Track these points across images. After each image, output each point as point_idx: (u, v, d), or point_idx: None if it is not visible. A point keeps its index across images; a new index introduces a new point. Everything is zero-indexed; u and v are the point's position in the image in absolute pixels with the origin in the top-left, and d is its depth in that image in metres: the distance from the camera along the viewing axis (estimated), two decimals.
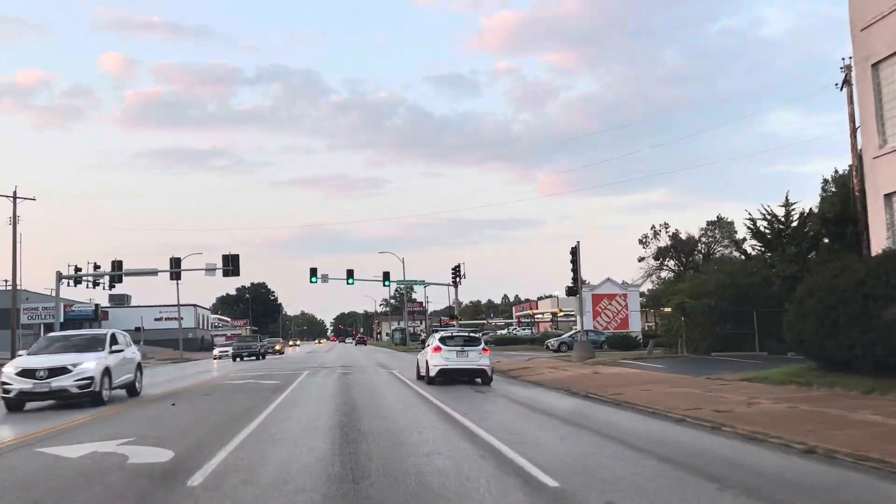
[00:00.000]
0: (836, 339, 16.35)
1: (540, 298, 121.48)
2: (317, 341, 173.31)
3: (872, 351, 15.32)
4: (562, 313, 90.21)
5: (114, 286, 52.99)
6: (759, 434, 10.50)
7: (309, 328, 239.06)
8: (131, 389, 19.63)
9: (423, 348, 24.81)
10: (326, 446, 9.93)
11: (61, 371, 16.20)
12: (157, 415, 14.86)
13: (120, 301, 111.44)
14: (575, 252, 32.73)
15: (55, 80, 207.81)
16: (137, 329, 77.63)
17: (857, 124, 23.37)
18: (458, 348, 21.14)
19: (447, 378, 20.93)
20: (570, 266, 32.81)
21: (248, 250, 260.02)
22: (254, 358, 51.12)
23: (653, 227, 67.59)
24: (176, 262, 47.45)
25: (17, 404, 16.21)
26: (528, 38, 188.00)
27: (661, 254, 66.44)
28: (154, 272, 48.41)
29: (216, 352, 62.45)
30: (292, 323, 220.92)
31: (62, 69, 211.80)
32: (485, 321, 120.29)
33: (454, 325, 79.33)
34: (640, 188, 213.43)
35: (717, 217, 65.81)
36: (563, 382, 21.97)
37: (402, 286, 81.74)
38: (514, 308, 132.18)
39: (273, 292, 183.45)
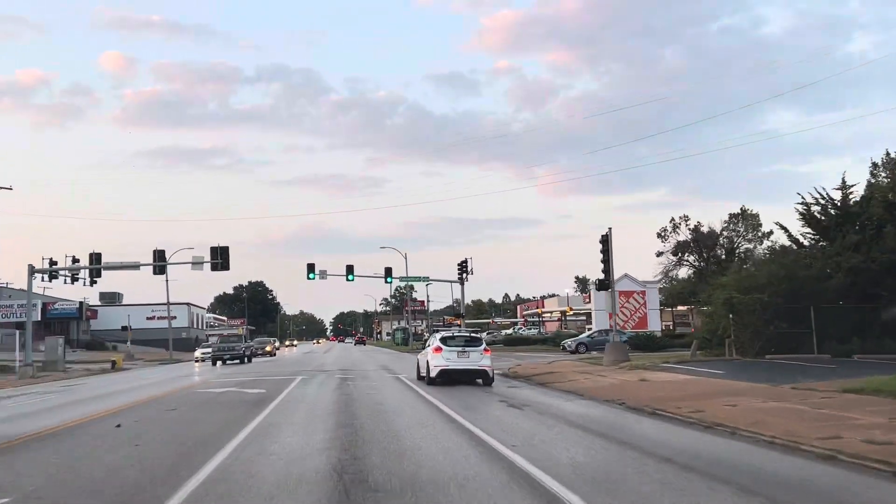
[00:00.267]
0: None
1: (544, 297, 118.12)
2: (315, 341, 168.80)
3: None
4: (571, 312, 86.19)
5: (95, 282, 48.74)
6: None
7: (308, 328, 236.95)
8: None
9: (424, 348, 24.21)
10: None
11: None
12: (86, 447, 10.87)
13: (111, 299, 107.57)
14: (606, 241, 28.77)
15: (55, 79, 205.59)
16: (124, 328, 73.87)
17: None
18: (459, 349, 20.78)
19: (448, 379, 20.41)
20: (601, 256, 28.86)
21: (247, 250, 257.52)
22: (237, 361, 43.03)
23: (672, 219, 63.50)
24: (160, 255, 43.34)
25: None
26: (528, 37, 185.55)
27: (679, 248, 62.38)
28: (136, 266, 44.36)
29: (198, 353, 52.53)
30: (291, 322, 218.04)
31: (62, 68, 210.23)
32: (490, 320, 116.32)
33: (458, 326, 75.59)
34: (641, 188, 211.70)
35: (741, 209, 61.82)
36: (608, 392, 18.06)
37: (404, 284, 77.78)
38: (518, 307, 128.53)
39: (271, 291, 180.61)
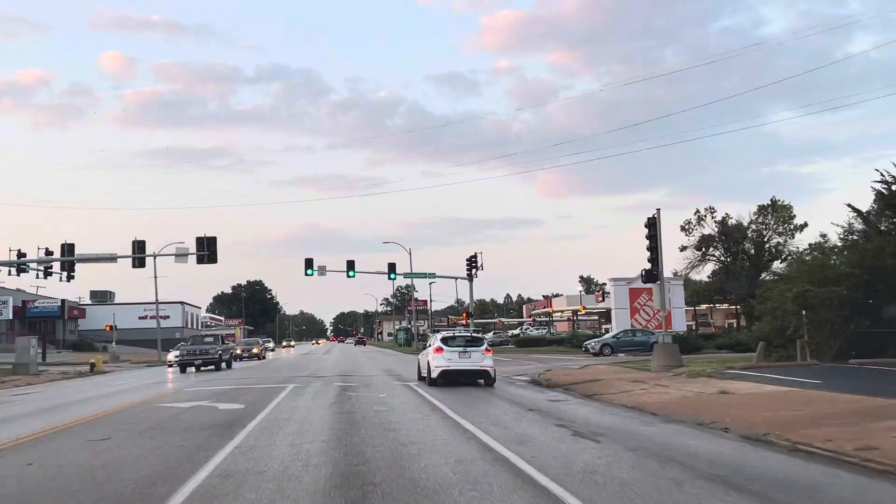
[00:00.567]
0: None
1: (549, 297, 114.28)
2: (314, 342, 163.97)
3: None
4: (584, 311, 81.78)
5: (72, 276, 44.06)
6: None
7: (308, 328, 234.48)
8: None
9: (425, 348, 23.86)
10: None
11: None
12: None
13: (102, 298, 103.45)
14: (654, 224, 24.44)
15: (55, 79, 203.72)
16: (110, 328, 69.39)
17: None
18: (461, 349, 20.32)
19: (449, 379, 19.97)
20: (648, 243, 24.52)
21: (246, 250, 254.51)
22: (212, 368, 34.01)
23: (696, 211, 59.07)
24: (139, 247, 38.90)
25: None
26: (528, 37, 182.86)
27: (704, 242, 57.98)
28: (113, 258, 39.95)
29: (171, 356, 43.84)
30: (291, 322, 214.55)
31: (62, 68, 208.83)
32: (496, 320, 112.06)
33: (463, 325, 71.22)
34: (641, 188, 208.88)
35: (771, 200, 57.41)
36: (687, 410, 13.77)
37: (408, 280, 73.57)
38: (524, 307, 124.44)
39: (270, 291, 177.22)
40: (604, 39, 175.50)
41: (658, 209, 24.53)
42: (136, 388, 24.18)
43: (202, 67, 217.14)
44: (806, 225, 55.47)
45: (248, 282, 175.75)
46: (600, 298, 76.93)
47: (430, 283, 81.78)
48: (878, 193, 25.42)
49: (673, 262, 68.61)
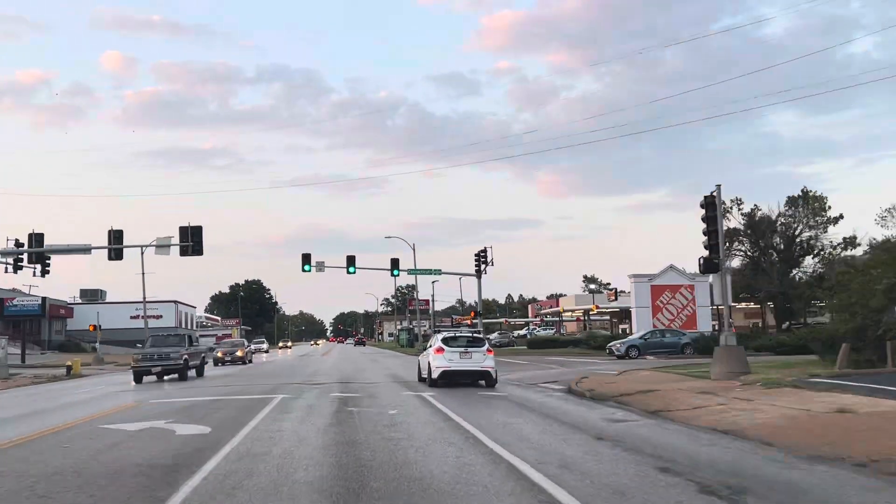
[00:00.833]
0: None
1: (553, 296, 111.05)
2: (313, 342, 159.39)
3: None
4: (596, 310, 77.92)
5: (47, 271, 40.02)
6: None
7: (307, 328, 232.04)
8: None
9: (426, 349, 23.46)
10: None
11: None
12: None
13: (92, 296, 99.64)
14: (713, 204, 20.59)
15: (55, 79, 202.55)
16: (95, 328, 65.44)
17: None
18: (462, 349, 19.99)
19: (449, 380, 19.66)
20: (705, 226, 20.65)
21: (246, 250, 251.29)
22: (175, 376, 27.23)
23: (722, 202, 55.18)
24: (116, 236, 34.99)
25: None
26: (528, 37, 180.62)
27: (730, 236, 54.01)
28: (86, 249, 36.01)
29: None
30: (290, 323, 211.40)
31: (62, 68, 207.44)
32: (503, 320, 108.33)
33: (467, 325, 67.38)
34: (641, 188, 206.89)
35: (802, 191, 53.49)
36: (807, 436, 10.05)
37: (411, 276, 69.79)
38: (529, 306, 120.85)
39: (269, 290, 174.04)
40: (604, 39, 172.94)
41: (718, 185, 20.74)
42: (96, 398, 20.30)
43: (202, 67, 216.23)
44: (841, 217, 51.65)
45: (247, 281, 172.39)
46: (613, 297, 73.19)
47: (433, 282, 78.14)
48: None
49: (693, 257, 64.66)
